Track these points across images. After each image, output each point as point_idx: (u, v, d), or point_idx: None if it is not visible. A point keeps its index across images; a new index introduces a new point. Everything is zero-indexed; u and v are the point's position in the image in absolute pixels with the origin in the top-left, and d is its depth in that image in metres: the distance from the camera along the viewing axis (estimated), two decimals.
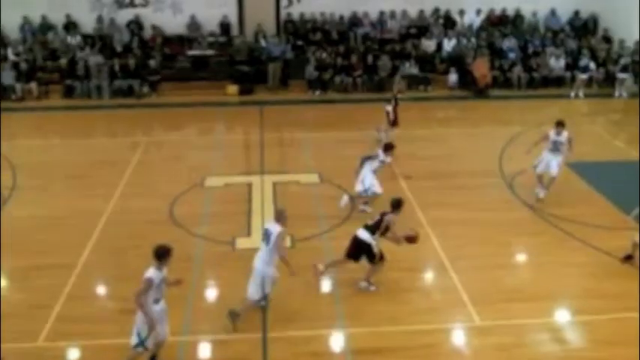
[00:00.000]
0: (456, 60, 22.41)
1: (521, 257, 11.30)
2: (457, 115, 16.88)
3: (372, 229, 9.66)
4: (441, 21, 23.79)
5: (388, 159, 12.48)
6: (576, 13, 24.43)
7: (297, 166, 15.19)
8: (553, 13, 24.33)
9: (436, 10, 24.00)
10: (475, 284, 10.00)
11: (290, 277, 9.22)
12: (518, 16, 24.30)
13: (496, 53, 22.89)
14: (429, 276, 10.45)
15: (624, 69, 21.76)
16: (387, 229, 9.61)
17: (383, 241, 9.71)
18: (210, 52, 22.37)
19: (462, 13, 23.99)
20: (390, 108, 16.09)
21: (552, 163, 12.80)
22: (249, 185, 13.79)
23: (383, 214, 9.69)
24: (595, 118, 18.52)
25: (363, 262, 9.76)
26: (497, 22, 24.18)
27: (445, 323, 9.15)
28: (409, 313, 9.36)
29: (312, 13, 23.55)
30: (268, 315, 9.13)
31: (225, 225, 11.91)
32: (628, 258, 10.58)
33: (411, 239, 9.83)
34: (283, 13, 23.48)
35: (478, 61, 21.94)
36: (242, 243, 11.29)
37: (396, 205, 9.71)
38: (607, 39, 23.62)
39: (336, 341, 8.76)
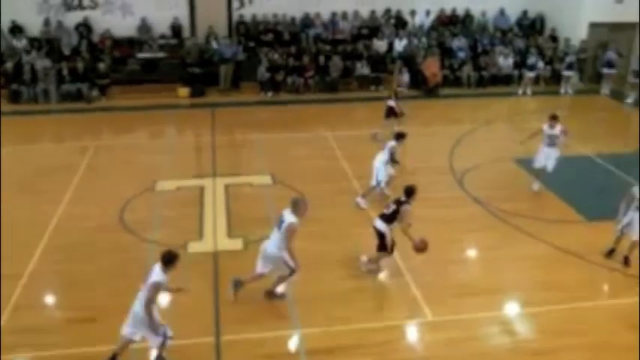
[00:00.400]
0: (407, 60, 22.61)
1: (472, 252, 11.48)
2: (408, 114, 17.15)
3: (388, 218, 9.86)
4: (393, 21, 23.98)
5: (396, 144, 12.83)
6: (524, 13, 24.99)
7: (249, 167, 15.10)
8: (502, 13, 24.81)
9: (387, 11, 24.19)
10: (427, 280, 10.11)
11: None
12: (467, 16, 24.69)
13: (446, 52, 23.21)
14: (381, 274, 10.48)
15: (570, 67, 22.35)
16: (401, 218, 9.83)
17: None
18: (160, 54, 22.05)
19: (413, 13, 24.24)
20: (393, 103, 16.55)
21: (551, 157, 13.27)
22: (202, 188, 13.65)
23: (399, 204, 9.84)
24: (542, 115, 18.88)
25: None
26: (448, 22, 24.51)
27: (398, 320, 9.22)
28: (362, 311, 9.40)
29: (264, 14, 23.44)
30: (221, 318, 9.07)
31: (178, 229, 11.75)
32: (610, 252, 10.82)
33: (419, 249, 9.84)
34: (235, 14, 23.32)
35: (429, 60, 22.20)
36: (194, 247, 11.16)
37: (411, 192, 9.85)
38: (553, 38, 24.19)
39: (291, 342, 8.74)
